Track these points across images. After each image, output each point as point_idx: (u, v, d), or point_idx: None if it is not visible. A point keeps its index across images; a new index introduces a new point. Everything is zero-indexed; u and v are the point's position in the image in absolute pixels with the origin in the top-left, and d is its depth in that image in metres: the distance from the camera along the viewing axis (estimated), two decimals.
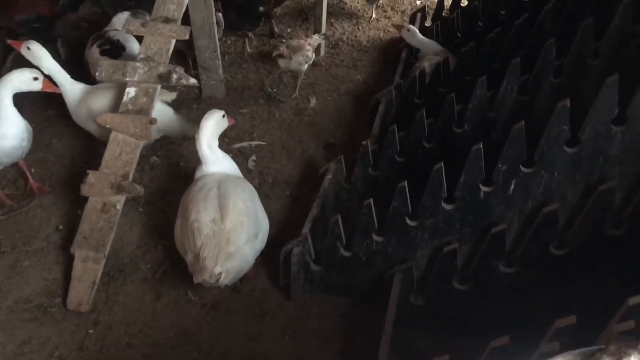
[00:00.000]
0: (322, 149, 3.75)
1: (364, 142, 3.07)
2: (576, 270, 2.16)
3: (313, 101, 4.14)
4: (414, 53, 4.30)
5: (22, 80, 2.90)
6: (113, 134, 2.90)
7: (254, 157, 3.60)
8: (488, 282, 2.31)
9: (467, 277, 2.36)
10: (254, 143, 3.74)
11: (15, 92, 2.91)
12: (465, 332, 2.41)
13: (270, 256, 2.89)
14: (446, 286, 2.37)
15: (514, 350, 1.81)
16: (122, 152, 2.87)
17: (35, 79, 2.93)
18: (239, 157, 3.59)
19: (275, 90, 4.20)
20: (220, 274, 2.32)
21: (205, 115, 2.74)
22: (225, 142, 3.70)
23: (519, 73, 2.79)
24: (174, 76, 2.98)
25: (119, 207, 2.79)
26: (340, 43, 4.79)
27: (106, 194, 2.79)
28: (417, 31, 4.10)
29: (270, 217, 3.13)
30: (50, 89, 3.02)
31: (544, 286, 2.23)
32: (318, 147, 3.76)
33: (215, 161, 2.75)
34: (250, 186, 2.74)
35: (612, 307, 2.08)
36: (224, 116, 2.82)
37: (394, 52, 4.50)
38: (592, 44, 2.69)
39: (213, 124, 2.74)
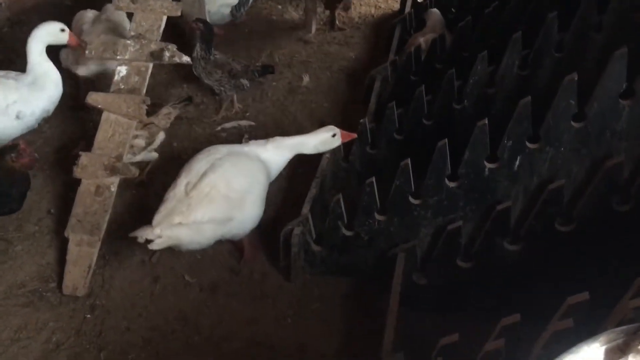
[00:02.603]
0: (317, 128, 3.69)
1: (362, 120, 3.02)
2: (582, 246, 2.14)
3: (306, 79, 4.07)
4: (408, 29, 4.24)
5: (50, 32, 2.95)
6: (105, 114, 2.82)
7: (246, 137, 3.53)
8: (492, 259, 2.28)
9: (471, 255, 2.33)
10: (244, 123, 3.67)
11: (45, 44, 2.95)
12: (469, 311, 2.38)
13: (268, 238, 2.85)
14: (450, 264, 2.34)
15: (524, 329, 1.80)
16: (115, 132, 2.80)
17: (62, 30, 2.98)
18: (231, 137, 3.52)
19: (266, 70, 4.11)
20: (158, 237, 2.30)
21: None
22: (215, 121, 3.64)
23: (520, 48, 2.75)
24: (167, 54, 2.90)
25: (113, 189, 2.73)
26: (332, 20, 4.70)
27: (100, 175, 2.72)
28: None
29: (266, 198, 3.10)
30: (76, 43, 3.06)
31: (549, 263, 2.20)
32: (313, 126, 3.70)
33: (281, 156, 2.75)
34: (259, 176, 2.62)
35: (621, 282, 2.07)
36: (334, 135, 2.80)
37: (387, 28, 4.43)
38: (595, 17, 2.65)
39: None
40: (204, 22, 3.52)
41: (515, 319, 1.74)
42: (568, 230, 2.16)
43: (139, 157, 2.97)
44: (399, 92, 3.58)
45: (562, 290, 2.21)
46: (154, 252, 2.79)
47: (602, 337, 0.94)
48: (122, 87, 2.87)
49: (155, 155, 3.12)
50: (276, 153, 2.71)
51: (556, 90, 2.66)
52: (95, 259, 2.64)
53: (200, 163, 2.54)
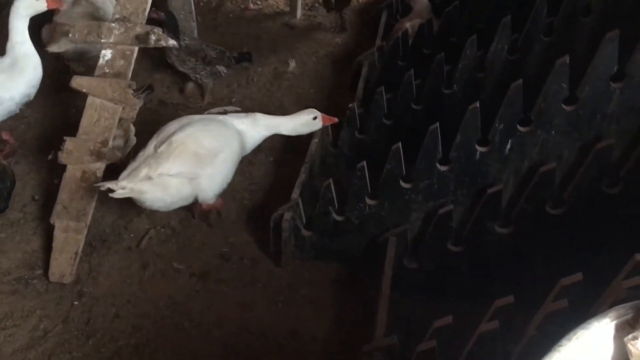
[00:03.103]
0: None
1: (350, 105, 3.00)
2: (573, 229, 2.15)
3: (292, 65, 4.04)
4: (394, 15, 4.22)
5: (26, 5, 2.87)
6: (90, 99, 2.75)
7: None
8: (483, 243, 2.29)
9: (462, 239, 2.33)
10: (230, 108, 3.63)
11: (27, 18, 2.89)
12: (460, 295, 2.39)
13: (257, 223, 2.84)
14: (441, 248, 2.34)
15: (517, 311, 1.80)
16: (101, 117, 2.74)
17: None
18: None
19: (253, 56, 4.06)
20: (123, 188, 2.35)
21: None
22: (201, 108, 3.59)
23: (509, 32, 2.75)
24: (152, 37, 2.84)
25: (99, 174, 2.68)
26: (317, 5, 4.66)
27: (85, 161, 2.67)
28: None
29: (254, 184, 3.09)
30: (55, 4, 2.99)
31: (541, 246, 2.21)
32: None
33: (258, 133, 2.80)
34: (231, 140, 2.67)
35: (613, 263, 2.09)
36: (315, 118, 2.85)
37: (373, 13, 4.41)
38: (583, 1, 2.65)
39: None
40: (165, 10, 3.47)
41: (509, 301, 1.74)
42: (559, 213, 2.17)
43: (120, 155, 2.91)
44: (387, 77, 3.56)
45: (555, 272, 2.23)
46: (142, 238, 2.77)
47: (612, 313, 0.94)
48: (107, 71, 2.80)
49: (134, 140, 3.06)
50: (253, 128, 2.76)
51: (546, 74, 2.67)
52: (82, 245, 2.60)
53: (170, 126, 2.66)
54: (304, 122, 2.80)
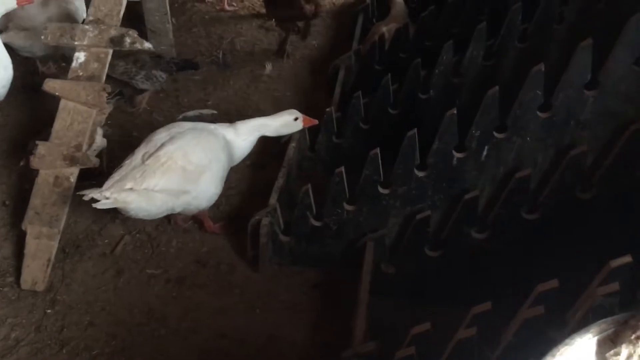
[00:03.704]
0: None
1: (327, 110, 3.00)
2: (548, 234, 2.18)
3: (269, 67, 4.02)
4: (370, 18, 4.23)
5: None
6: (63, 102, 2.71)
7: None
8: (460, 248, 2.30)
9: (440, 244, 2.35)
10: (206, 111, 3.61)
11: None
12: (438, 299, 2.40)
13: (235, 227, 2.82)
14: (418, 253, 2.35)
15: (493, 316, 1.82)
16: (74, 121, 2.69)
17: None
18: None
19: (227, 59, 4.04)
20: (105, 198, 2.28)
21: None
22: (180, 110, 3.56)
23: (485, 38, 2.78)
24: (127, 40, 2.80)
25: (73, 179, 2.63)
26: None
27: (58, 166, 2.62)
28: None
29: (231, 188, 3.06)
30: (26, 2, 2.91)
31: (516, 251, 2.24)
32: None
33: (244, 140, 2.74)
34: (220, 154, 2.60)
35: (587, 268, 2.12)
36: (296, 119, 2.80)
37: (349, 16, 4.42)
38: (557, 8, 2.69)
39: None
40: None
41: (486, 307, 1.76)
42: (534, 218, 2.20)
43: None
44: (363, 81, 3.58)
45: (530, 276, 2.26)
46: (116, 244, 2.73)
47: (594, 328, 0.96)
48: (81, 74, 2.76)
49: (104, 142, 3.02)
50: (241, 137, 2.70)
51: (520, 81, 2.70)
52: (54, 252, 2.55)
53: (160, 135, 2.56)
54: (285, 122, 2.75)
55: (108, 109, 3.06)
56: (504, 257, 2.27)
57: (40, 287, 2.50)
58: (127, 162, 2.48)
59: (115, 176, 2.40)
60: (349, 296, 2.46)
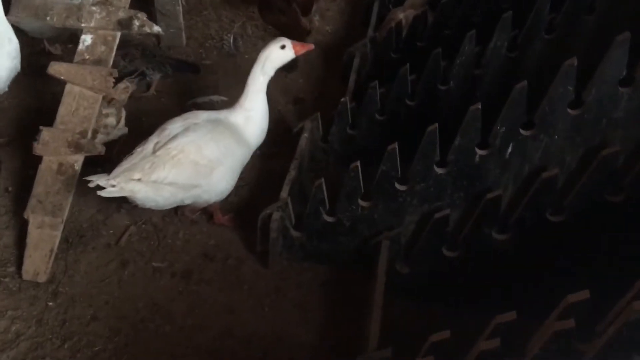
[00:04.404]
0: (292, 105, 3.55)
1: (342, 99, 2.89)
2: (574, 237, 2.07)
3: None
4: (387, 4, 4.09)
5: None
6: (68, 86, 2.61)
7: None
8: (480, 249, 2.20)
9: (458, 244, 2.25)
10: (216, 98, 3.50)
11: None
12: (454, 302, 2.31)
13: (244, 220, 2.72)
14: (435, 253, 2.25)
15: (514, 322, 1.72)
16: (79, 106, 2.60)
17: None
18: None
19: (238, 43, 3.91)
20: (111, 186, 2.21)
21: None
22: (190, 96, 3.45)
23: (509, 28, 2.64)
24: (136, 23, 2.70)
25: (77, 167, 2.54)
26: None
27: (63, 153, 2.53)
28: None
29: (240, 179, 2.94)
30: None
31: (539, 254, 2.13)
32: (287, 103, 3.56)
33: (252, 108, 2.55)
34: (235, 148, 2.49)
35: (616, 276, 2.02)
36: (283, 47, 2.54)
37: (364, 1, 4.28)
38: None
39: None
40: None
41: (510, 317, 1.66)
42: (559, 221, 2.09)
43: (112, 135, 2.77)
44: (379, 69, 3.46)
45: (553, 282, 2.16)
46: (121, 234, 2.64)
47: None
48: (87, 57, 2.66)
49: (125, 129, 2.92)
50: (249, 113, 2.56)
51: (546, 73, 2.58)
52: (57, 242, 2.46)
53: (174, 124, 2.45)
54: (272, 55, 2.53)
55: (131, 88, 2.95)
56: (525, 260, 2.17)
57: (42, 278, 2.42)
58: (138, 149, 2.38)
59: (125, 164, 2.31)
60: (361, 295, 2.38)
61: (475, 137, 2.16)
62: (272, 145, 3.21)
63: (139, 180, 2.27)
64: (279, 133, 3.29)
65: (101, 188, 2.23)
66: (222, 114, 2.58)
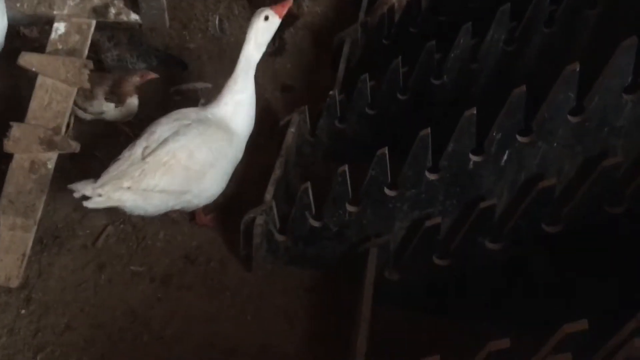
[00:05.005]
0: (280, 93, 3.40)
1: (331, 92, 2.75)
2: (571, 249, 1.98)
3: None
4: None
5: None
6: (40, 79, 2.46)
7: (202, 102, 3.21)
8: (472, 258, 2.11)
9: (449, 252, 2.15)
10: (200, 85, 3.35)
11: None
12: (444, 312, 2.22)
13: (226, 219, 2.61)
14: (425, 261, 2.16)
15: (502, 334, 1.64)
16: (52, 100, 2.45)
17: None
18: (185, 102, 3.20)
19: (224, 25, 3.75)
20: (98, 195, 2.09)
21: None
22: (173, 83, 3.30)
23: (507, 21, 2.51)
24: (112, 10, 2.55)
25: (51, 165, 2.41)
26: None
27: (35, 150, 2.39)
28: None
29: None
30: None
31: (534, 265, 2.04)
32: (275, 90, 3.41)
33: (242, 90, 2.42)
34: (227, 149, 2.37)
35: (612, 292, 1.94)
36: (267, 18, 2.37)
37: None
38: None
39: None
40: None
41: (505, 345, 1.57)
42: (556, 231, 2.00)
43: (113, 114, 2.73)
44: (370, 56, 3.33)
45: (549, 296, 2.08)
46: (98, 235, 2.52)
47: None
48: (60, 47, 2.51)
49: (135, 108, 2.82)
50: (238, 96, 2.43)
51: (545, 68, 2.46)
52: (30, 244, 2.34)
53: (163, 127, 2.29)
54: (259, 30, 2.38)
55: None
56: (519, 270, 2.08)
57: (15, 283, 2.30)
58: (125, 154, 2.22)
59: (112, 171, 2.15)
60: (348, 301, 2.29)
61: (469, 143, 2.05)
62: (258, 136, 3.08)
63: (128, 188, 2.14)
64: (266, 123, 3.16)
65: (86, 198, 2.11)
66: (210, 110, 2.43)
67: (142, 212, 2.27)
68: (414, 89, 2.67)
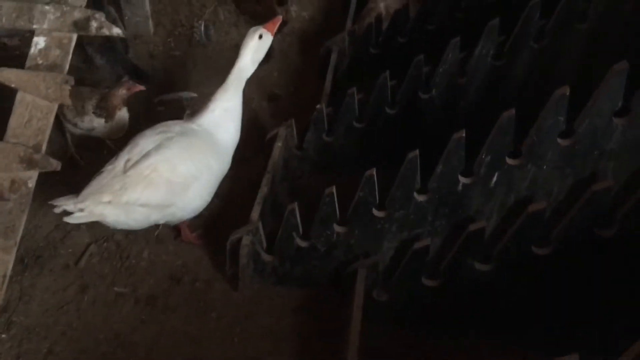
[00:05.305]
0: (267, 102, 3.36)
1: (318, 106, 2.71)
2: (560, 271, 1.96)
3: None
4: None
5: None
6: (20, 95, 2.39)
7: (188, 112, 3.15)
8: (461, 278, 2.08)
9: (438, 273, 2.12)
10: (185, 95, 3.29)
11: None
12: (434, 332, 2.20)
13: (213, 236, 2.57)
14: (414, 282, 2.13)
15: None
16: (32, 117, 2.38)
17: None
18: (169, 112, 3.14)
19: (210, 31, 3.70)
20: (79, 210, 2.05)
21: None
22: (157, 92, 3.24)
23: (496, 35, 2.48)
24: (94, 24, 2.47)
25: (31, 185, 2.33)
26: None
27: (15, 169, 2.32)
28: None
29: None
30: None
31: (523, 286, 2.02)
32: (262, 99, 3.37)
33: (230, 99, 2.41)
34: (211, 161, 2.33)
35: (603, 315, 1.92)
36: (261, 36, 2.40)
37: None
38: (580, 5, 2.39)
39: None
40: None
41: None
42: (545, 253, 1.97)
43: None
44: (357, 66, 3.29)
45: (537, 316, 2.06)
46: (81, 254, 2.47)
47: None
48: (40, 62, 2.43)
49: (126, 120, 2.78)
50: (227, 104, 2.42)
51: (534, 84, 2.43)
52: (10, 266, 2.26)
53: (147, 140, 2.26)
54: (254, 48, 2.41)
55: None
56: (509, 291, 2.06)
57: None
58: (108, 167, 2.19)
59: (93, 185, 2.12)
60: (336, 320, 2.26)
61: (458, 164, 2.01)
62: (245, 148, 3.04)
63: (109, 202, 2.10)
64: (253, 135, 3.11)
65: (68, 213, 2.07)
66: (196, 121, 2.40)
67: (125, 227, 2.23)
68: (402, 103, 2.64)
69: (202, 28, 3.72)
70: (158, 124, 2.37)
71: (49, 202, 2.10)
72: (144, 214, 2.20)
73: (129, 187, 2.12)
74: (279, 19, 2.47)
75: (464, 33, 2.70)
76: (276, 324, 2.30)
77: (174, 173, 2.20)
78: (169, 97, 3.25)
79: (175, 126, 2.35)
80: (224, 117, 2.40)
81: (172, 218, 2.33)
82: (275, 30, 2.44)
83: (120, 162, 2.19)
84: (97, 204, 2.08)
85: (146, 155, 2.19)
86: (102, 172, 2.17)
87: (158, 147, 2.22)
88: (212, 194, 2.41)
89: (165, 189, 2.19)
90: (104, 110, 2.68)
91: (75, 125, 2.68)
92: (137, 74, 3.23)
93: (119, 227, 2.21)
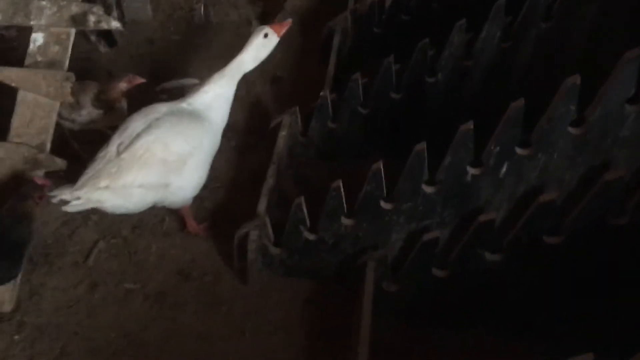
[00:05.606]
0: (269, 86, 3.31)
1: (321, 93, 2.67)
2: (572, 260, 1.94)
3: (255, 24, 3.62)
4: None
5: None
6: (21, 94, 2.37)
7: None
8: (471, 269, 2.06)
9: (448, 263, 2.11)
10: (187, 81, 3.24)
11: None
12: (444, 324, 2.19)
13: (220, 228, 2.55)
14: (424, 273, 2.11)
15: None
16: (35, 116, 2.37)
17: None
18: (173, 100, 3.09)
19: (210, 12, 3.63)
20: (77, 198, 2.07)
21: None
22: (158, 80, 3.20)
23: (503, 17, 2.41)
24: (91, 18, 2.43)
25: None
26: None
27: (20, 169, 2.32)
28: None
29: (215, 178, 2.76)
30: None
31: (534, 276, 2.00)
32: (264, 83, 3.31)
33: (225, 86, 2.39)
34: (203, 138, 2.33)
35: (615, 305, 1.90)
36: (266, 35, 2.41)
37: None
38: None
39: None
40: None
41: None
42: (556, 242, 1.95)
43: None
44: (361, 47, 3.24)
45: (549, 307, 2.05)
46: (90, 251, 2.47)
47: None
48: (40, 59, 2.41)
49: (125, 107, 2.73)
50: (220, 90, 2.40)
51: (542, 65, 2.38)
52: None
53: (136, 123, 2.27)
54: (258, 46, 2.42)
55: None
56: (518, 282, 2.04)
57: (7, 307, 2.25)
58: (100, 154, 2.20)
59: (89, 172, 2.13)
60: (346, 310, 2.25)
61: (466, 156, 1.98)
62: (248, 134, 3.02)
63: (106, 187, 2.12)
64: (255, 120, 3.08)
65: (66, 202, 2.07)
66: (187, 100, 2.39)
67: (123, 211, 2.24)
68: (407, 87, 2.59)
69: (202, 10, 3.65)
70: (145, 107, 2.36)
71: (47, 194, 2.12)
72: (141, 195, 2.21)
73: (124, 170, 2.14)
74: (288, 23, 2.47)
75: (468, 10, 2.64)
76: (286, 317, 2.30)
77: (167, 151, 2.22)
78: (170, 84, 3.20)
79: (162, 107, 2.35)
80: (215, 100, 2.39)
81: (175, 199, 2.33)
82: (282, 33, 2.44)
83: (112, 147, 2.20)
84: (95, 190, 2.09)
85: (137, 136, 2.20)
86: (95, 159, 2.18)
87: (148, 128, 2.23)
88: (207, 171, 2.41)
89: (160, 168, 2.21)
90: (103, 103, 2.63)
91: (73, 121, 2.64)
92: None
93: (118, 211, 2.23)
